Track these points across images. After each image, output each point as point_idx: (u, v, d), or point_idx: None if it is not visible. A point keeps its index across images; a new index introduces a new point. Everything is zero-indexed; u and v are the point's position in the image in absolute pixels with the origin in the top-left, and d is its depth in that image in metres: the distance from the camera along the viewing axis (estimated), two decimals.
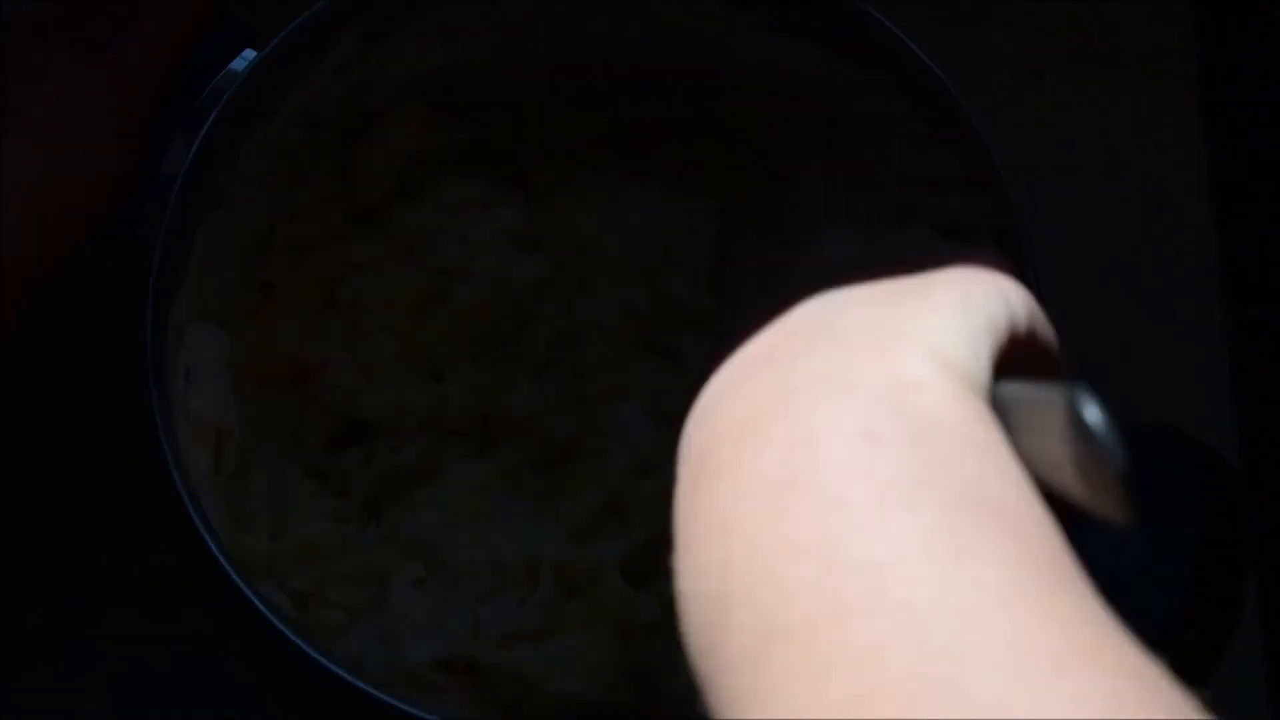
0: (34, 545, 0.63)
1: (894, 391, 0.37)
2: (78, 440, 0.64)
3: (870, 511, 0.34)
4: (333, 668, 0.51)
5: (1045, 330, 0.43)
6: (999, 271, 0.42)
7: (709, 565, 0.36)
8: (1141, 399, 0.67)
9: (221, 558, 0.52)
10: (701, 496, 0.37)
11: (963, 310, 0.40)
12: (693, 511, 0.37)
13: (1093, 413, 0.38)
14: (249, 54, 0.58)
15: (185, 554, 0.53)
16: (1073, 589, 0.34)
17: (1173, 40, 0.71)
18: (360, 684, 0.51)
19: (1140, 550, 0.53)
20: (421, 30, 0.61)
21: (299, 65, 0.59)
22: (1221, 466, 0.56)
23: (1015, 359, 0.41)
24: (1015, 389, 0.40)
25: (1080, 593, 0.34)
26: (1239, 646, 0.55)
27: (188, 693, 0.62)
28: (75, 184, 0.55)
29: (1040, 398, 0.40)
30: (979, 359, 0.40)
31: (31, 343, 0.60)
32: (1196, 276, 0.69)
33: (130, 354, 0.54)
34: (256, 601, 0.52)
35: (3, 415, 0.63)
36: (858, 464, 0.35)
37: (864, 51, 0.59)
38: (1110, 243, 0.69)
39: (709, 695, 0.35)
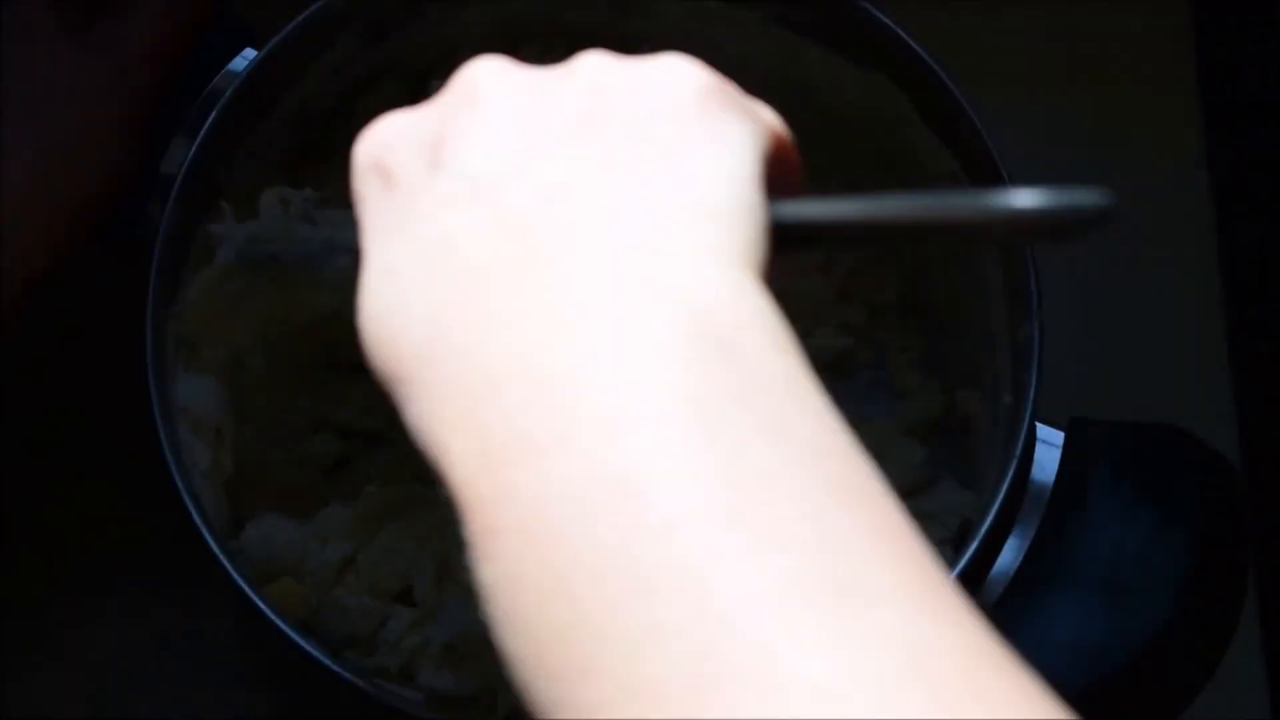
0: (34, 545, 0.63)
1: (698, 324, 0.33)
2: (78, 440, 0.64)
3: (718, 533, 0.30)
4: (334, 667, 0.51)
5: (784, 135, 0.39)
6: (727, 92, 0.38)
7: (533, 572, 0.32)
8: (1141, 399, 0.67)
9: (222, 557, 0.52)
10: (507, 480, 0.33)
11: (732, 179, 0.36)
12: (502, 495, 0.33)
13: (1035, 199, 0.35)
14: (249, 54, 0.58)
15: (185, 554, 0.53)
16: (942, 584, 0.31)
17: (1173, 40, 0.71)
18: (361, 684, 0.51)
19: (1140, 550, 0.53)
20: (420, 30, 0.61)
21: (298, 65, 0.59)
22: (1221, 466, 0.56)
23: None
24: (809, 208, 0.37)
25: (945, 580, 0.31)
26: (1239, 646, 0.55)
27: (188, 692, 0.62)
28: (76, 184, 0.55)
29: (924, 204, 0.37)
30: (760, 231, 0.36)
31: (31, 343, 0.60)
32: (1196, 276, 0.69)
33: (130, 354, 0.54)
34: (257, 601, 0.52)
35: (3, 415, 0.63)
36: (695, 452, 0.31)
37: (865, 49, 0.59)
38: (1110, 243, 0.69)
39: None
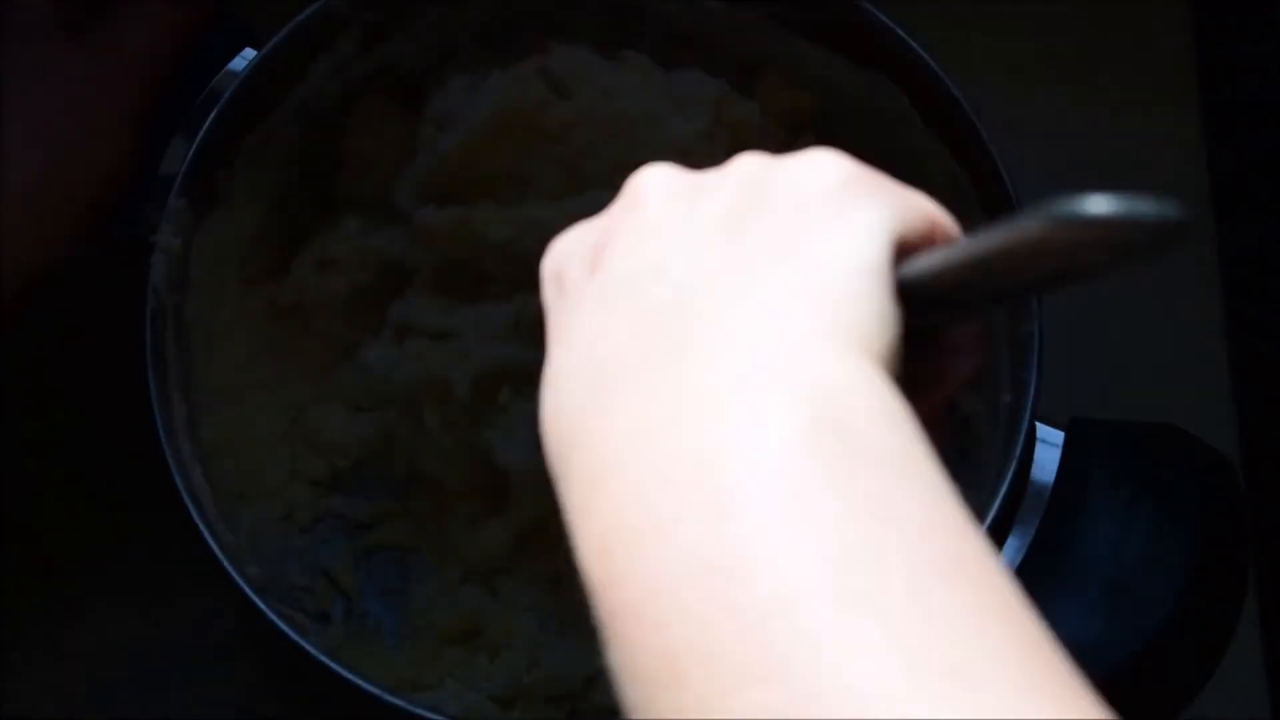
0: (34, 545, 0.63)
1: (814, 408, 0.34)
2: (78, 440, 0.64)
3: (821, 613, 0.31)
4: (334, 667, 0.51)
5: (940, 219, 0.40)
6: (870, 181, 0.39)
7: (648, 657, 0.32)
8: (1141, 399, 0.67)
9: (221, 556, 0.52)
10: (622, 562, 0.33)
11: (859, 266, 0.36)
12: (616, 576, 0.34)
13: (1106, 205, 0.33)
14: (249, 54, 0.58)
15: (185, 552, 0.53)
16: (1054, 666, 0.32)
17: (1173, 40, 0.71)
18: (362, 684, 0.51)
19: (1140, 550, 0.53)
20: (420, 30, 0.61)
21: (298, 65, 0.59)
22: (1221, 466, 0.56)
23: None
24: (935, 256, 0.37)
25: (1058, 662, 0.32)
26: (1239, 646, 0.55)
27: (188, 693, 0.62)
28: (76, 184, 0.55)
29: (1000, 235, 0.36)
30: (886, 318, 0.36)
31: (31, 343, 0.60)
32: (1197, 276, 0.69)
33: (130, 354, 0.54)
34: (257, 602, 0.52)
35: (3, 415, 0.63)
36: (799, 533, 0.32)
37: (865, 49, 0.59)
38: None
39: None
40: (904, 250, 0.38)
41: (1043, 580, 0.53)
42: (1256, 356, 0.73)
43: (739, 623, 0.31)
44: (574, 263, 0.41)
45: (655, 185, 0.41)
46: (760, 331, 0.35)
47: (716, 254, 0.38)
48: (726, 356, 0.35)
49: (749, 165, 0.40)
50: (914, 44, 0.58)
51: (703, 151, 0.62)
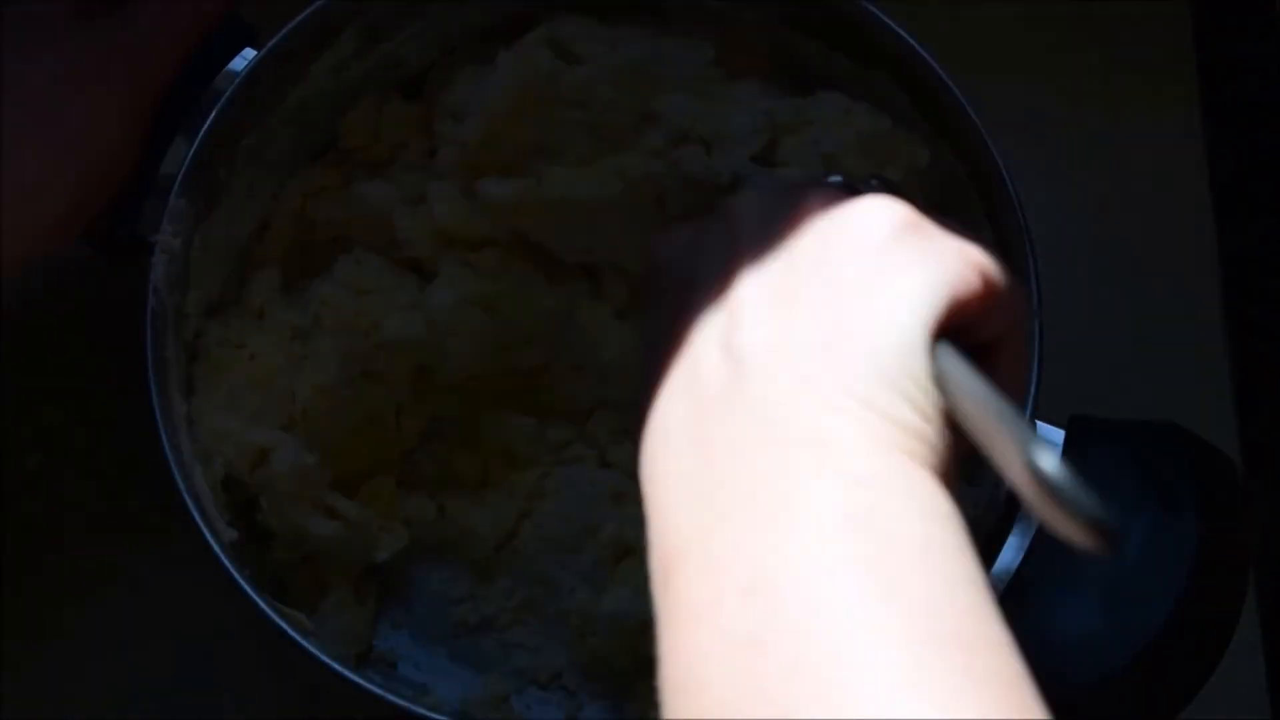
0: (34, 545, 0.63)
1: (850, 504, 0.38)
2: (78, 440, 0.64)
3: (834, 673, 0.35)
4: (334, 665, 0.52)
5: (996, 277, 0.42)
6: (923, 237, 0.42)
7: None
8: (1141, 398, 0.67)
9: (222, 557, 0.53)
10: (675, 638, 0.38)
11: (897, 319, 0.40)
12: (669, 650, 0.39)
13: (1053, 467, 0.38)
14: (249, 53, 0.58)
15: (185, 553, 0.53)
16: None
17: (1173, 40, 0.71)
18: (362, 683, 0.51)
19: (1140, 549, 0.53)
20: (420, 30, 0.61)
21: (298, 64, 0.59)
22: (1222, 464, 0.56)
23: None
24: (962, 377, 0.40)
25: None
26: (1239, 646, 0.55)
27: (188, 693, 0.62)
28: (77, 171, 0.55)
29: (992, 412, 0.39)
30: (924, 397, 0.40)
31: (31, 343, 0.60)
32: (1197, 276, 0.69)
33: (130, 354, 0.54)
34: (258, 601, 0.52)
35: (3, 415, 0.63)
36: (821, 610, 0.36)
37: (866, 48, 0.59)
38: (1110, 243, 0.69)
39: None
40: (959, 309, 0.41)
41: (1043, 580, 0.53)
42: (1256, 356, 0.73)
43: (758, 689, 0.36)
44: (674, 267, 0.45)
45: (747, 204, 0.45)
46: (811, 427, 0.39)
47: (777, 315, 0.41)
48: (777, 448, 0.39)
49: (815, 205, 0.43)
50: (914, 43, 0.58)
51: (714, 78, 0.61)
